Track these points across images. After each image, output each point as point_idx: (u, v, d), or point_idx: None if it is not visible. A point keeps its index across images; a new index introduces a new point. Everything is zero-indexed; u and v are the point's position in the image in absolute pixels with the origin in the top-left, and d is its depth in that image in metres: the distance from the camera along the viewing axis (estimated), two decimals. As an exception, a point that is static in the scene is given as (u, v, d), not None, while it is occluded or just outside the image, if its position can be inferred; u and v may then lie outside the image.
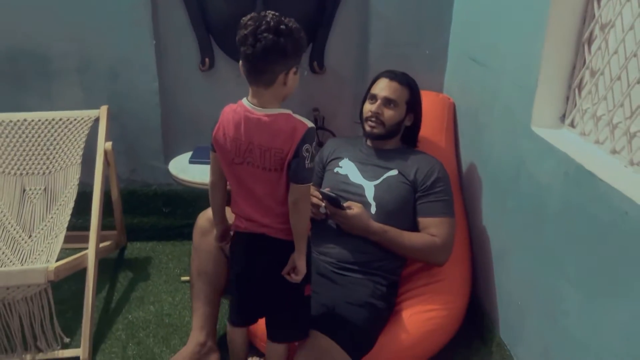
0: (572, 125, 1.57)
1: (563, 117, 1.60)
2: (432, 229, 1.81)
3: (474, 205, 2.08)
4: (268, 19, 1.26)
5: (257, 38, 1.24)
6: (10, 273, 1.60)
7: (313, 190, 1.77)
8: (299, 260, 1.40)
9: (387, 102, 1.86)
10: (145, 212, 2.57)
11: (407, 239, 1.79)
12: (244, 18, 1.30)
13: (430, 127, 2.18)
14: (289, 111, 1.35)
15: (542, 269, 1.54)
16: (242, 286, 1.51)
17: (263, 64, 1.28)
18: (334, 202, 1.74)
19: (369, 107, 1.89)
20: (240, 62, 1.32)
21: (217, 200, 1.52)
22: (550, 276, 1.49)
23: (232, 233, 1.54)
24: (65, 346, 1.82)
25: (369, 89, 1.93)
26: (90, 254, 1.91)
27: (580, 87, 1.54)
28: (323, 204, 1.79)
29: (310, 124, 1.34)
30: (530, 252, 1.63)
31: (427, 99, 2.26)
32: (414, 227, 1.85)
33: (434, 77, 2.40)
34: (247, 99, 1.36)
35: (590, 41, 1.49)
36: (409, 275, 1.93)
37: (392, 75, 1.90)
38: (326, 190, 1.79)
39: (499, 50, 1.86)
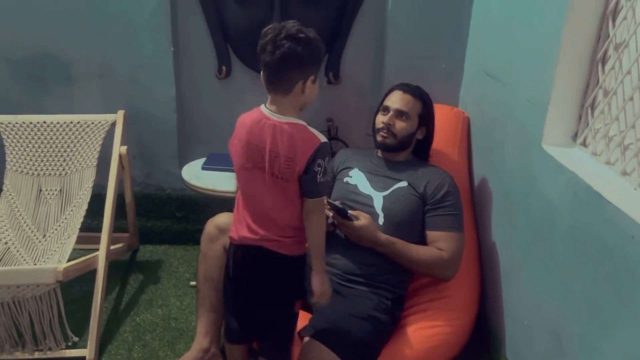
0: (584, 144, 1.54)
1: (575, 136, 1.58)
2: (440, 242, 1.80)
3: (484, 220, 2.06)
4: (288, 27, 1.29)
5: (276, 45, 1.27)
6: (20, 272, 1.64)
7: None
8: (314, 280, 1.41)
9: (399, 114, 1.86)
10: (159, 216, 2.61)
11: (414, 252, 1.78)
12: (265, 28, 1.33)
13: (443, 141, 2.17)
14: (304, 123, 1.36)
15: (549, 289, 1.52)
16: (235, 300, 1.52)
17: (281, 71, 1.30)
18: (342, 212, 1.74)
19: (381, 119, 1.89)
20: (261, 71, 1.34)
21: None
22: (557, 297, 1.47)
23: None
24: (72, 345, 1.85)
25: (382, 101, 1.94)
26: (100, 255, 1.94)
27: (593, 107, 1.52)
28: (331, 214, 1.79)
29: (323, 139, 1.35)
30: (538, 271, 1.60)
31: (442, 113, 2.26)
32: (422, 241, 1.84)
33: (449, 91, 2.39)
34: (265, 105, 1.38)
35: (604, 60, 1.47)
36: (415, 289, 1.91)
37: (406, 87, 1.91)
38: (336, 202, 1.78)
39: (514, 66, 1.84)
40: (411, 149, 1.95)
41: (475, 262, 2.02)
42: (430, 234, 1.82)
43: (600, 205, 1.26)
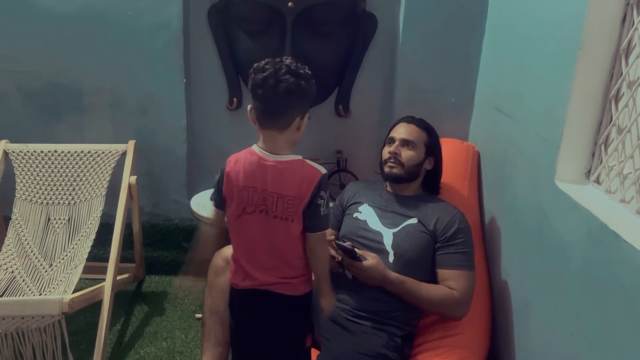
0: (597, 181, 1.53)
1: (589, 173, 1.56)
2: (450, 281, 1.76)
3: (495, 257, 2.03)
4: (287, 63, 1.28)
5: (279, 79, 1.24)
6: (25, 303, 1.63)
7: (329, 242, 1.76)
8: (323, 301, 1.43)
9: (405, 143, 1.87)
10: (166, 246, 2.60)
11: (424, 291, 1.74)
12: (258, 63, 1.30)
13: (453, 175, 2.15)
14: (300, 157, 1.35)
15: (562, 329, 1.48)
16: (242, 342, 1.49)
17: (282, 106, 1.28)
18: (350, 253, 1.71)
19: (387, 149, 1.89)
20: (251, 107, 1.32)
21: (209, 252, 1.58)
22: (570, 337, 1.42)
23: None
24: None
25: (388, 134, 1.94)
26: (106, 286, 1.92)
27: (606, 144, 1.50)
28: (339, 257, 1.75)
29: (323, 171, 1.34)
30: (550, 310, 1.56)
31: (451, 147, 2.26)
32: (433, 278, 1.80)
33: (459, 125, 2.39)
34: (257, 145, 1.35)
35: (617, 98, 1.46)
36: (425, 326, 1.87)
37: (410, 119, 1.93)
38: (346, 244, 1.75)
39: (524, 101, 1.84)
40: (420, 181, 1.94)
41: (487, 299, 1.98)
42: (441, 273, 1.79)
43: (616, 244, 1.23)
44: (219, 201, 1.40)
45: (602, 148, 1.51)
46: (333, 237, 1.88)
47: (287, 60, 1.29)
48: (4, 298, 1.83)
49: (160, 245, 2.59)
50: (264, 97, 1.27)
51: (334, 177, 2.57)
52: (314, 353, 1.66)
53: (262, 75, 1.26)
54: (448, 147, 2.27)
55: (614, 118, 1.46)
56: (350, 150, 2.55)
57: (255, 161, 1.33)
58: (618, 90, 1.46)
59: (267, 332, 1.44)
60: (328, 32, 2.34)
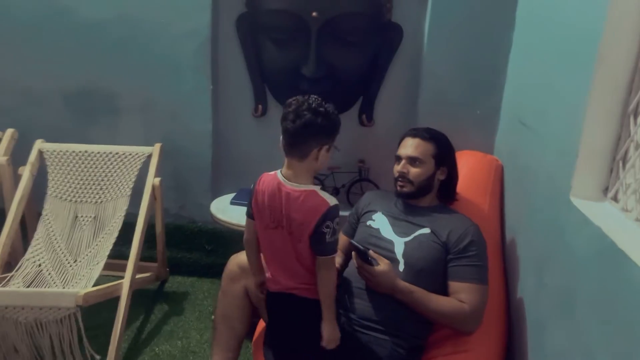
0: (615, 199, 1.47)
1: (607, 190, 1.51)
2: (461, 294, 1.73)
3: (513, 274, 1.97)
4: (310, 101, 1.43)
5: (298, 115, 1.41)
6: (43, 294, 1.71)
7: (345, 240, 1.87)
8: (325, 327, 1.50)
9: (412, 160, 1.84)
10: (189, 248, 2.66)
11: (434, 302, 1.71)
12: (289, 100, 1.47)
13: (473, 188, 2.12)
14: (316, 188, 1.47)
15: (573, 353, 1.42)
16: (274, 343, 1.61)
17: (300, 138, 1.43)
18: (362, 255, 1.71)
19: (396, 168, 1.88)
20: (281, 137, 1.47)
21: (252, 254, 1.65)
22: (580, 361, 1.37)
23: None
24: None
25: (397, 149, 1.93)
26: (125, 283, 1.98)
27: (625, 160, 1.45)
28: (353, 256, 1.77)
29: (333, 202, 1.45)
30: (563, 332, 1.51)
31: (473, 159, 2.22)
32: (444, 290, 1.77)
33: (484, 138, 2.35)
34: (281, 171, 1.50)
35: (636, 113, 1.41)
36: (436, 341, 1.83)
37: (414, 132, 1.89)
38: (357, 242, 1.76)
39: (547, 115, 1.80)
40: (434, 192, 1.91)
41: (502, 317, 1.92)
42: (452, 285, 1.75)
43: (624, 264, 1.18)
44: (250, 212, 1.57)
45: (620, 164, 1.45)
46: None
47: (311, 98, 1.44)
48: (24, 289, 1.92)
49: (184, 246, 2.66)
50: (286, 129, 1.44)
51: (355, 187, 2.57)
52: None
53: (287, 110, 1.44)
54: (470, 159, 2.24)
55: (632, 133, 1.40)
56: (373, 160, 2.55)
57: (276, 185, 1.48)
58: (638, 105, 1.40)
59: (292, 331, 1.58)
60: (353, 42, 2.36)
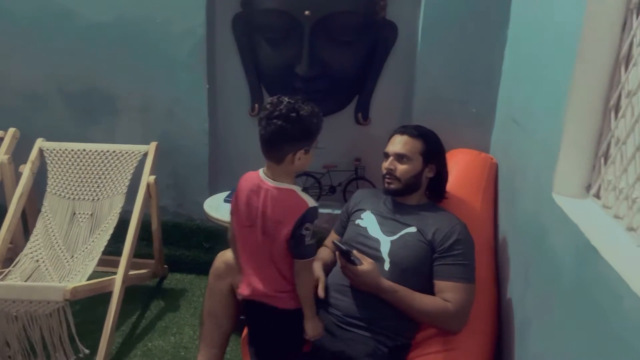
0: (598, 196, 1.44)
1: (590, 187, 1.48)
2: (446, 293, 1.71)
3: (503, 273, 1.95)
4: (282, 107, 1.39)
5: (268, 123, 1.39)
6: (33, 288, 1.75)
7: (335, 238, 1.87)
8: (307, 324, 1.52)
9: (399, 157, 1.84)
10: (188, 246, 2.69)
11: (417, 301, 1.70)
12: (266, 100, 1.47)
13: (466, 186, 2.10)
14: (296, 188, 1.46)
15: (551, 354, 1.40)
16: (255, 344, 1.63)
17: (272, 145, 1.43)
18: (345, 254, 1.71)
19: (383, 165, 1.87)
20: None
21: (236, 252, 1.63)
22: (558, 360, 1.35)
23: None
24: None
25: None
26: (117, 280, 2.02)
27: (607, 156, 1.42)
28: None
29: (312, 204, 1.44)
30: (545, 332, 1.48)
31: (467, 157, 2.21)
32: (431, 289, 1.76)
33: (480, 136, 2.33)
34: (263, 170, 1.50)
35: (617, 108, 1.38)
36: (422, 340, 1.81)
37: (403, 129, 1.89)
38: (338, 241, 1.77)
39: (534, 112, 1.77)
40: (423, 190, 1.90)
41: (492, 317, 1.90)
42: (438, 284, 1.74)
43: (595, 262, 1.16)
44: (233, 208, 1.55)
45: (602, 161, 1.43)
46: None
47: (284, 103, 1.39)
48: (13, 283, 1.97)
49: (182, 244, 2.69)
50: (260, 133, 1.44)
51: (351, 185, 2.57)
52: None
53: (261, 114, 1.43)
54: (464, 157, 2.22)
55: (612, 129, 1.38)
56: (369, 158, 2.54)
57: (256, 183, 1.48)
58: (618, 100, 1.38)
59: (264, 338, 1.59)
60: (346, 40, 2.36)
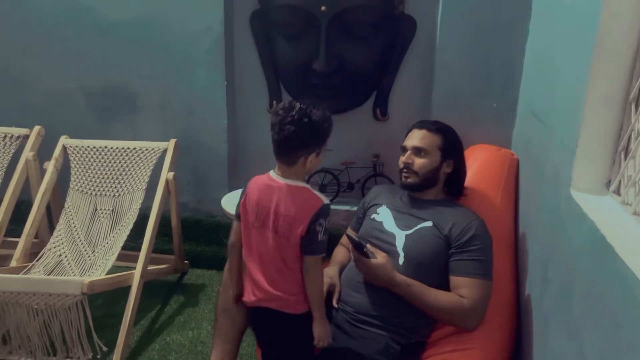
0: (618, 192, 1.39)
1: (609, 183, 1.43)
2: (462, 289, 1.69)
3: (523, 271, 1.91)
4: (294, 112, 1.40)
5: (282, 128, 1.40)
6: (51, 281, 1.79)
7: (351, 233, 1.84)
8: (315, 327, 1.49)
9: (417, 151, 1.82)
10: (208, 242, 2.72)
11: (432, 297, 1.68)
12: (278, 105, 1.48)
13: (486, 182, 2.06)
14: (308, 186, 1.47)
15: (569, 351, 1.36)
16: (264, 349, 1.63)
17: (285, 149, 1.44)
18: (359, 247, 1.70)
19: (401, 159, 1.85)
20: None
21: (234, 261, 1.63)
22: (574, 360, 1.31)
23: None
24: (101, 357, 1.96)
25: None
26: (136, 274, 2.05)
27: (627, 151, 1.37)
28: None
29: (325, 201, 1.45)
30: (562, 330, 1.45)
31: (487, 153, 2.17)
32: (446, 285, 1.73)
33: (501, 131, 2.28)
34: (273, 170, 1.51)
35: (637, 101, 1.33)
36: (438, 338, 1.79)
37: (421, 124, 1.87)
38: (353, 234, 1.76)
39: (554, 106, 1.72)
40: (441, 185, 1.87)
41: (511, 314, 1.86)
42: (453, 280, 1.72)
43: (611, 259, 1.12)
44: (238, 212, 1.56)
45: (622, 156, 1.38)
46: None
47: (296, 108, 1.41)
48: (33, 276, 2.02)
49: (202, 240, 2.72)
50: (273, 137, 1.45)
51: (370, 182, 2.55)
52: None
53: (273, 119, 1.43)
54: (483, 153, 2.18)
55: (632, 123, 1.33)
56: (388, 155, 2.51)
57: (268, 183, 1.49)
58: (639, 92, 1.32)
59: (273, 346, 1.58)
60: (363, 35, 2.33)
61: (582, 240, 1.34)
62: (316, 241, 1.43)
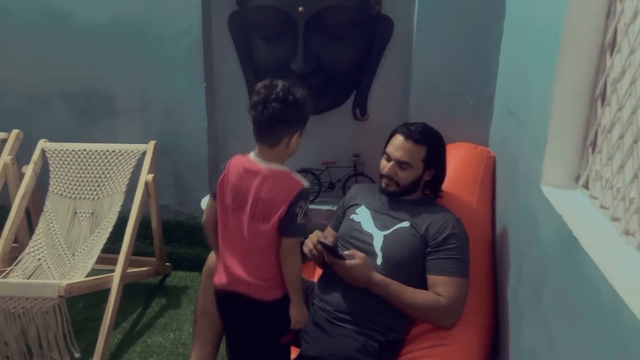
0: (587, 187, 1.41)
1: (579, 177, 1.45)
2: (439, 287, 1.70)
3: (500, 268, 1.93)
4: (277, 90, 1.38)
5: (266, 106, 1.37)
6: (29, 285, 1.78)
7: (313, 237, 1.80)
8: (293, 310, 1.49)
9: (401, 164, 1.80)
10: (190, 244, 2.71)
11: (409, 295, 1.69)
12: (258, 84, 1.43)
13: (462, 181, 2.08)
14: (288, 169, 1.45)
15: (541, 346, 1.38)
16: (227, 338, 1.63)
17: (269, 129, 1.41)
18: (331, 250, 1.70)
19: (384, 165, 1.85)
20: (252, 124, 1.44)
21: (212, 235, 1.60)
22: (545, 357, 1.33)
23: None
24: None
25: (386, 143, 1.89)
26: (115, 277, 2.04)
27: (594, 146, 1.39)
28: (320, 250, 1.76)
29: (305, 184, 1.44)
30: (534, 325, 1.46)
31: (463, 151, 2.18)
32: (424, 285, 1.74)
33: (478, 129, 2.30)
34: (254, 152, 1.48)
35: (604, 97, 1.35)
36: (418, 335, 1.80)
37: (408, 132, 1.81)
38: (326, 241, 1.76)
39: (528, 102, 1.74)
40: (420, 190, 1.88)
41: (488, 311, 1.88)
42: (430, 278, 1.73)
43: (576, 253, 1.14)
44: (214, 192, 1.53)
45: (590, 151, 1.40)
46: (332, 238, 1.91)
47: (279, 86, 1.39)
48: (10, 280, 2.00)
49: (184, 242, 2.71)
50: (254, 118, 1.41)
51: (351, 181, 2.56)
52: (296, 351, 1.68)
53: (256, 99, 1.40)
54: (460, 151, 2.19)
55: (598, 118, 1.35)
56: (368, 154, 2.53)
57: (247, 166, 1.46)
58: (605, 88, 1.35)
59: (240, 331, 1.55)
60: (341, 35, 2.34)
61: (551, 235, 1.36)
62: (295, 223, 1.41)
